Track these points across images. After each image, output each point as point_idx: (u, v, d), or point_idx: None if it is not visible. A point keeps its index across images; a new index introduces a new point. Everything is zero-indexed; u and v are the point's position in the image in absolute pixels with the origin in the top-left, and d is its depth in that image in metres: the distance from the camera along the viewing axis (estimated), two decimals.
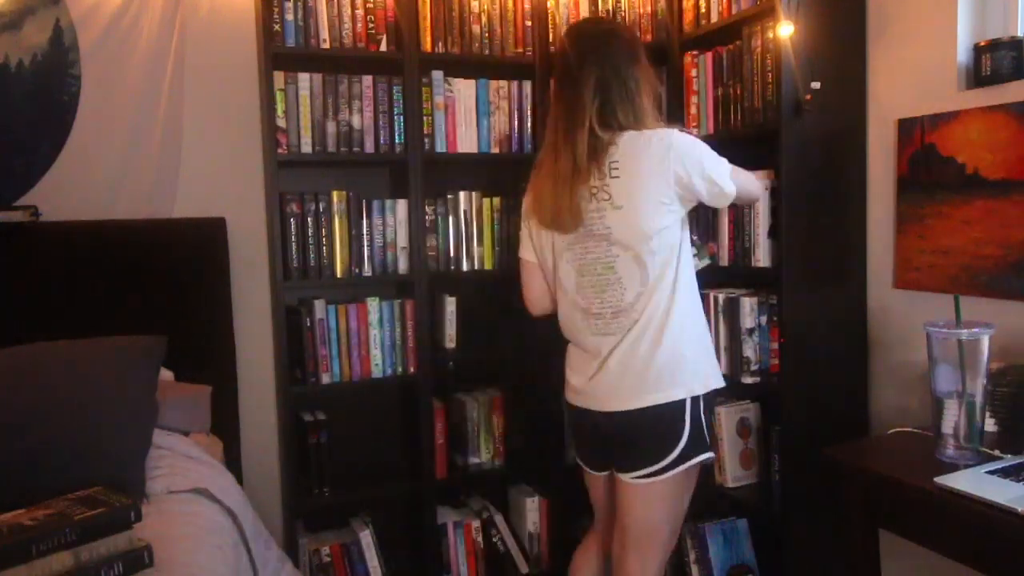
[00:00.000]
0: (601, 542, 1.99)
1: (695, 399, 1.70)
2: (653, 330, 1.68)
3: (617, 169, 1.66)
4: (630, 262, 1.69)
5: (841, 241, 2.15)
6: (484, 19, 2.51)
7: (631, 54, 1.73)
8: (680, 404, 1.68)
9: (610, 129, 1.68)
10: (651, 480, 1.71)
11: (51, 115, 2.25)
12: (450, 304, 2.55)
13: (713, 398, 1.76)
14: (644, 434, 1.71)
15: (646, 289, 1.68)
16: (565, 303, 1.82)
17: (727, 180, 1.73)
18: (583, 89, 1.68)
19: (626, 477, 1.75)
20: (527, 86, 2.59)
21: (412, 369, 2.49)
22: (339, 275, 2.40)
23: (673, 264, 1.70)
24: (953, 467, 1.57)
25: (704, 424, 1.72)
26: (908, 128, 2.02)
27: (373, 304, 2.44)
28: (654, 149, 1.65)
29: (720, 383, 1.76)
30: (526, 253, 1.91)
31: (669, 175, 1.65)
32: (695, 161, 1.66)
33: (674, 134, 1.66)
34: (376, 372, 2.45)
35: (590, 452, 1.91)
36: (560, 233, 1.77)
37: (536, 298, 1.92)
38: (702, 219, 2.37)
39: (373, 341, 2.44)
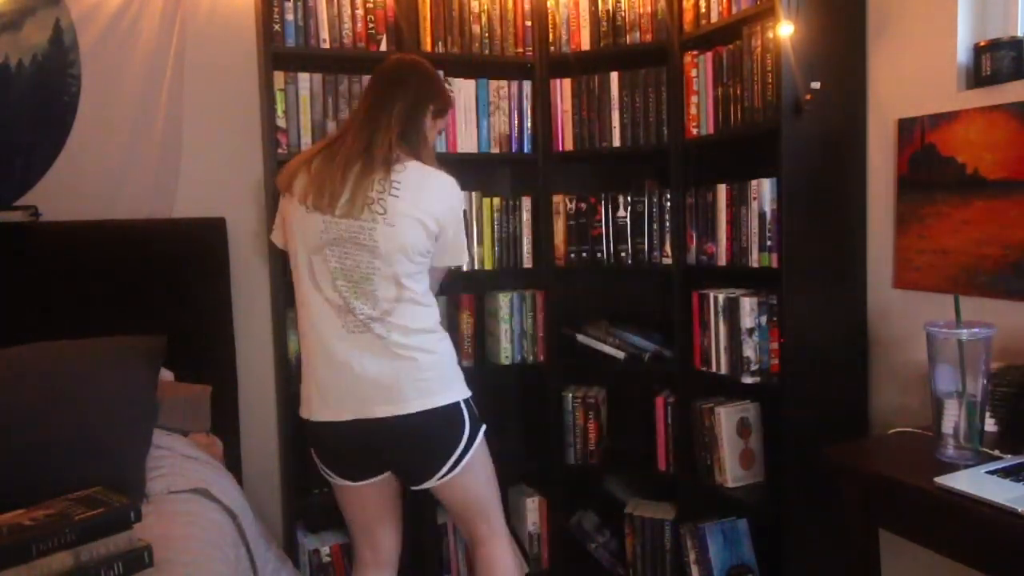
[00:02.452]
0: (378, 568, 1.95)
1: (465, 401, 1.82)
2: (405, 341, 1.73)
3: (399, 190, 1.72)
4: (387, 275, 1.72)
5: (841, 241, 2.15)
6: (484, 19, 2.51)
7: (432, 102, 1.86)
8: (455, 405, 1.78)
9: (403, 151, 1.77)
10: (449, 478, 1.79)
11: (51, 115, 2.25)
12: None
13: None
14: (423, 438, 1.76)
15: (401, 299, 1.74)
16: (315, 301, 1.76)
17: (464, 253, 1.91)
18: (394, 106, 1.77)
19: (430, 483, 1.81)
20: (527, 86, 2.59)
21: None
22: None
23: (422, 284, 1.79)
24: (953, 467, 1.57)
25: (474, 409, 1.85)
26: (908, 128, 2.02)
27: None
28: (439, 189, 1.79)
29: (469, 393, 1.85)
30: (280, 241, 1.91)
31: (445, 218, 1.79)
32: (458, 217, 1.85)
33: (453, 186, 1.82)
34: None
35: (350, 464, 1.84)
36: (328, 221, 1.72)
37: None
38: (702, 218, 2.37)
39: None
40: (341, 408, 1.75)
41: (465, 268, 2.53)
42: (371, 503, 1.90)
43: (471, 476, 1.83)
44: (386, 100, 1.78)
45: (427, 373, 1.75)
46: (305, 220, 1.75)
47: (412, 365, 1.73)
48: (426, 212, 1.74)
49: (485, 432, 1.87)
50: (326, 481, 2.39)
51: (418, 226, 1.74)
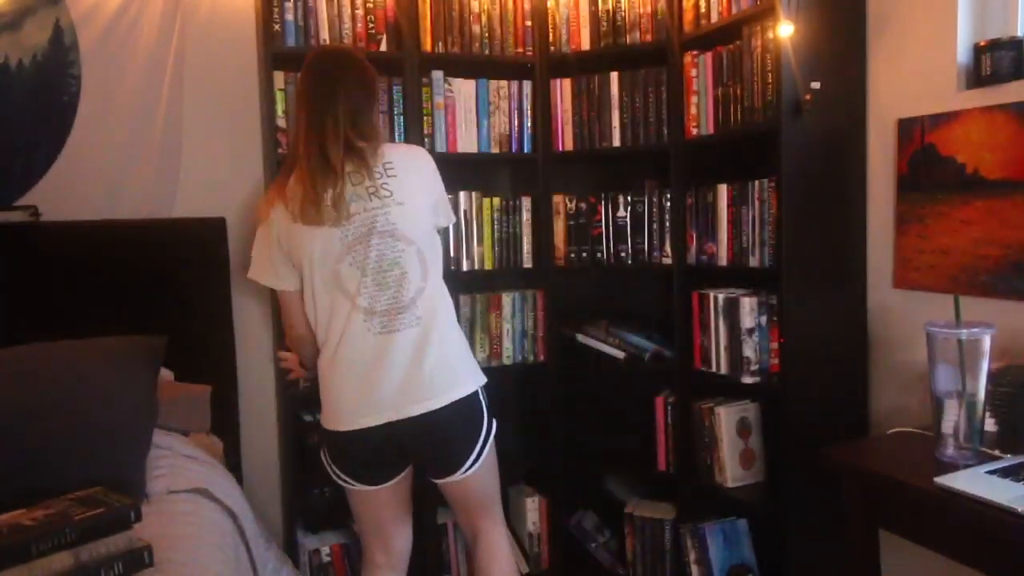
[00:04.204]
0: (390, 569, 1.94)
1: (482, 388, 1.82)
2: (432, 328, 1.74)
3: (393, 169, 1.76)
4: (414, 256, 1.75)
5: (841, 241, 2.15)
6: (484, 19, 2.51)
7: (372, 88, 1.86)
8: (469, 398, 1.78)
9: (364, 140, 1.76)
10: (473, 470, 1.80)
11: (51, 115, 2.25)
12: None
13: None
14: (451, 430, 1.76)
15: (426, 284, 1.76)
16: (343, 311, 1.73)
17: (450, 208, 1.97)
18: (337, 103, 1.74)
19: (453, 478, 1.80)
20: (527, 86, 2.59)
21: None
22: None
23: (439, 261, 1.83)
24: (953, 467, 1.57)
25: (488, 403, 1.85)
26: (908, 128, 2.02)
27: None
28: (421, 157, 1.85)
29: (484, 378, 1.85)
30: (285, 283, 1.81)
31: (436, 183, 1.87)
32: (438, 177, 1.89)
33: (423, 151, 1.89)
34: None
35: (376, 467, 1.83)
36: (328, 227, 1.71)
37: (302, 326, 1.84)
38: (702, 218, 2.37)
39: None
40: (375, 414, 1.72)
41: (465, 267, 2.55)
42: (388, 505, 1.89)
43: (485, 470, 1.84)
44: (326, 103, 1.73)
45: (453, 361, 1.77)
46: (316, 236, 1.72)
47: (440, 357, 1.74)
48: (423, 184, 1.81)
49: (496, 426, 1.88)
50: (326, 481, 2.40)
51: (424, 197, 1.79)
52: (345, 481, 1.84)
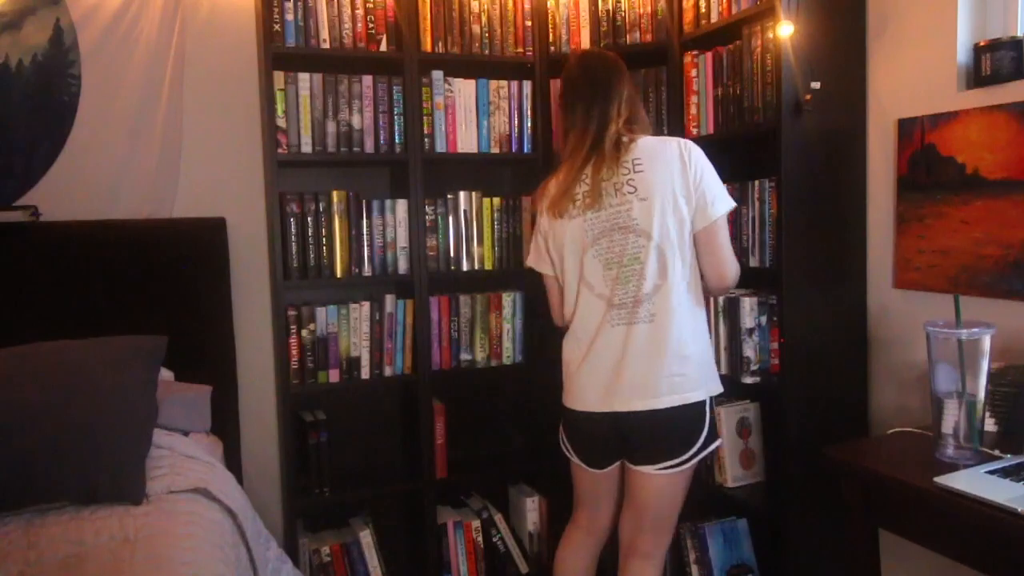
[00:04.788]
0: (588, 533, 2.02)
1: (711, 400, 1.83)
2: (671, 325, 1.77)
3: (641, 165, 1.79)
4: (653, 252, 1.78)
5: (841, 241, 2.15)
6: (484, 19, 2.51)
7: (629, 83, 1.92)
8: (701, 404, 1.80)
9: (630, 132, 1.84)
10: (674, 471, 1.81)
11: (51, 115, 2.25)
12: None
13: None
14: (670, 430, 1.80)
15: (665, 282, 1.78)
16: (586, 299, 1.85)
17: (727, 197, 1.83)
18: (610, 104, 1.83)
19: (649, 469, 1.82)
20: (527, 86, 2.59)
21: (409, 370, 2.50)
22: (339, 275, 2.40)
23: (688, 261, 1.81)
24: (953, 467, 1.57)
25: (715, 416, 1.86)
26: (908, 128, 2.02)
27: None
28: (670, 150, 1.80)
29: (721, 387, 1.88)
30: (544, 266, 1.98)
31: (687, 173, 1.78)
32: (704, 166, 1.81)
33: (680, 141, 1.82)
34: (387, 371, 2.48)
35: (600, 453, 1.92)
36: (579, 220, 1.83)
37: (560, 309, 1.99)
38: None
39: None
40: (599, 401, 1.82)
41: (465, 268, 2.55)
42: (600, 485, 1.97)
43: (679, 482, 1.85)
44: (599, 99, 1.83)
45: (684, 368, 1.78)
46: (566, 228, 1.86)
47: (668, 358, 1.77)
48: (671, 178, 1.78)
49: (716, 447, 1.88)
50: (326, 481, 2.41)
51: (669, 195, 1.77)
52: (570, 452, 1.96)
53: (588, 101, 1.84)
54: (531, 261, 2.03)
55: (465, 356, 2.57)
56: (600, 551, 2.06)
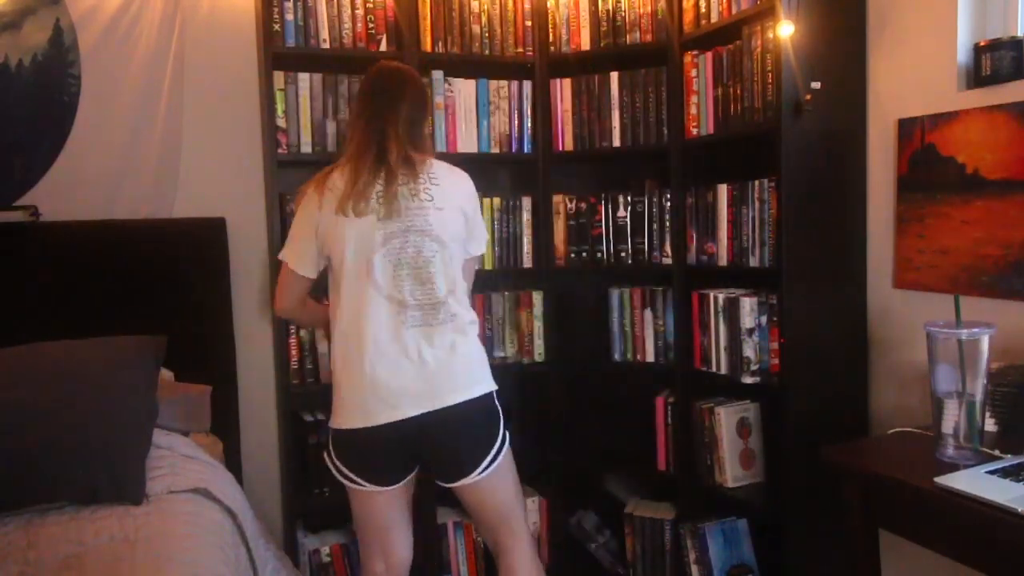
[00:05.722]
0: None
1: (496, 392, 1.86)
2: (462, 328, 1.81)
3: (437, 179, 1.83)
4: (445, 259, 1.81)
5: (841, 241, 2.15)
6: (484, 19, 2.51)
7: (428, 106, 2.04)
8: (491, 396, 1.84)
9: (416, 150, 1.85)
10: (488, 473, 1.80)
11: (51, 115, 2.25)
12: None
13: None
14: (473, 427, 1.80)
15: (455, 288, 1.82)
16: (371, 301, 1.76)
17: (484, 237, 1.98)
18: (398, 113, 1.83)
19: (467, 481, 1.80)
20: (527, 86, 2.59)
21: None
22: None
23: (462, 277, 1.88)
24: (953, 467, 1.57)
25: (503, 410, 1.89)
26: (908, 128, 2.02)
27: None
28: (463, 178, 1.91)
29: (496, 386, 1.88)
30: (308, 271, 1.84)
31: (473, 203, 1.92)
32: (478, 207, 1.95)
33: (467, 177, 1.93)
34: None
35: (387, 466, 1.82)
36: (381, 220, 1.76)
37: (291, 305, 1.91)
38: (702, 218, 2.37)
39: None
40: (394, 408, 1.73)
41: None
42: (392, 507, 1.87)
43: (500, 476, 1.85)
44: (387, 111, 1.82)
45: (473, 363, 1.82)
46: (353, 226, 1.76)
47: (463, 354, 1.79)
48: (461, 201, 1.87)
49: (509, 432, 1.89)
50: (326, 481, 2.41)
51: (459, 213, 1.85)
52: (352, 480, 1.81)
53: (382, 109, 1.82)
54: (286, 257, 1.85)
55: None
56: None
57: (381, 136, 1.79)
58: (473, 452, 1.80)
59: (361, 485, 1.81)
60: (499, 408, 1.86)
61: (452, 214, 1.83)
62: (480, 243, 1.96)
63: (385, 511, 1.86)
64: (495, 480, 1.83)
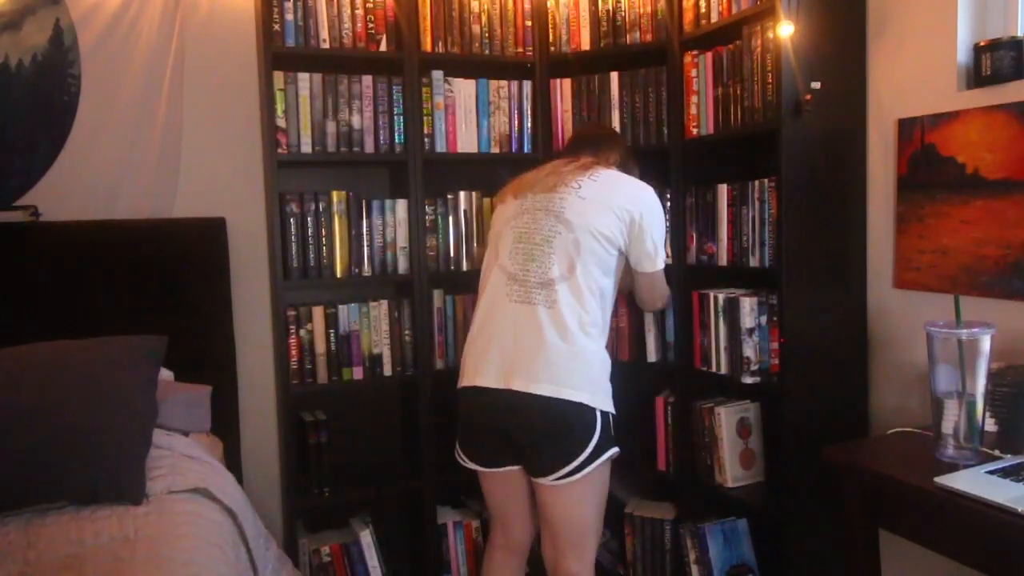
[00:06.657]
0: (507, 552, 2.00)
1: (604, 413, 1.81)
2: (562, 320, 1.76)
3: (597, 177, 1.90)
4: (568, 243, 1.80)
5: (841, 241, 2.15)
6: (484, 19, 2.51)
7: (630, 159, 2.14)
8: (590, 410, 1.77)
9: (604, 165, 1.98)
10: (571, 480, 1.77)
11: (51, 115, 2.25)
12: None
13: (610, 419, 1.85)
14: (554, 429, 1.77)
15: (573, 275, 1.78)
16: (493, 270, 1.88)
17: (661, 254, 1.96)
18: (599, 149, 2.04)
19: (545, 481, 1.79)
20: (527, 86, 2.59)
21: (411, 370, 2.50)
22: (339, 275, 2.40)
23: (600, 280, 1.84)
24: (953, 467, 1.57)
25: (612, 428, 1.84)
26: (908, 128, 2.02)
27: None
28: (629, 184, 1.93)
29: (611, 409, 1.84)
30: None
31: (630, 208, 1.87)
32: (655, 219, 1.92)
33: (650, 190, 1.94)
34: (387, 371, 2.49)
35: (483, 444, 1.88)
36: (524, 200, 1.88)
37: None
38: (702, 218, 2.37)
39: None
40: (477, 374, 1.81)
41: (465, 268, 2.55)
42: (507, 494, 1.93)
43: (584, 492, 1.81)
44: (595, 146, 2.04)
45: (569, 363, 1.76)
46: (505, 208, 1.94)
47: (555, 347, 1.75)
48: (618, 201, 1.86)
49: (613, 458, 1.84)
50: (326, 481, 2.41)
51: (607, 209, 1.84)
52: (460, 456, 1.92)
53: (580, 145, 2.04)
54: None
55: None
56: (524, 569, 2.04)
57: (576, 154, 1.99)
58: (551, 452, 1.77)
59: (465, 461, 1.92)
60: (597, 427, 1.78)
61: (596, 207, 1.83)
62: (642, 261, 1.92)
63: (499, 495, 1.95)
64: (576, 491, 1.79)
